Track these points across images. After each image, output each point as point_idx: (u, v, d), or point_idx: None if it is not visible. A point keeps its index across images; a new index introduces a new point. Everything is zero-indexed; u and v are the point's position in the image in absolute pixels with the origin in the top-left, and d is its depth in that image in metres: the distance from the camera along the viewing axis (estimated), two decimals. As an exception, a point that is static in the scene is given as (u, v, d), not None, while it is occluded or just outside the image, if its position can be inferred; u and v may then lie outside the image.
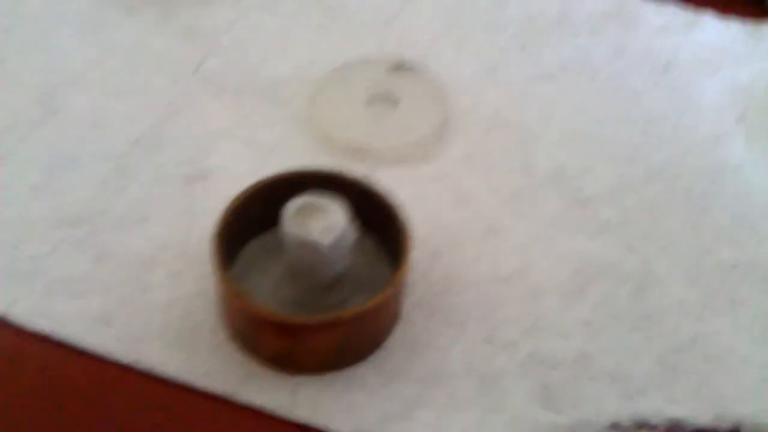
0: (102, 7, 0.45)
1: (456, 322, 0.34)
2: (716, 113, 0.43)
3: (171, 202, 0.37)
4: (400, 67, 0.43)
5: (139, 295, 0.34)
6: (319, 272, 0.32)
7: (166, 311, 0.34)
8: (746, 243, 0.38)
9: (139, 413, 0.31)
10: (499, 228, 0.37)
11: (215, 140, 0.40)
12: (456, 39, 0.46)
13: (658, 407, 0.32)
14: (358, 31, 0.45)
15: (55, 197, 0.37)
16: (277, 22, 0.45)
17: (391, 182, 0.39)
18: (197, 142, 0.39)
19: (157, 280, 0.34)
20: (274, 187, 0.33)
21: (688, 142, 0.42)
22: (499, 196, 0.39)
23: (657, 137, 0.42)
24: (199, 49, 0.43)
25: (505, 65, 0.45)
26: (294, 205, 0.31)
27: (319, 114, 0.40)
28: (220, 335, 0.33)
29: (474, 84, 0.44)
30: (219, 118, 0.40)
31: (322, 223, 0.31)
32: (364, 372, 0.32)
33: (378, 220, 0.34)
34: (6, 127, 0.39)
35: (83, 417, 0.31)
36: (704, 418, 0.31)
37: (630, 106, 0.43)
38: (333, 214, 0.31)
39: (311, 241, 0.31)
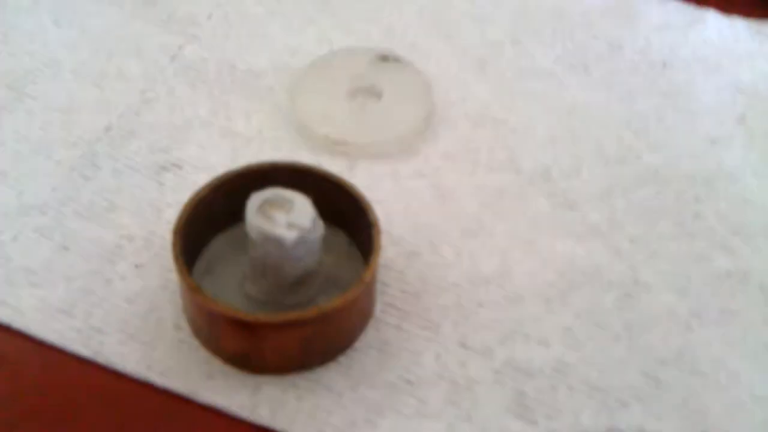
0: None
1: (430, 325, 0.32)
2: (715, 114, 0.42)
3: (140, 192, 0.36)
4: (385, 59, 0.41)
5: (102, 286, 0.33)
6: (285, 268, 0.30)
7: (129, 304, 0.32)
8: (741, 251, 0.36)
9: (97, 408, 0.30)
10: (480, 228, 0.36)
11: (190, 130, 0.38)
12: (446, 32, 0.44)
13: (638, 422, 0.30)
14: (344, 22, 0.44)
15: (20, 183, 0.35)
16: (261, 11, 0.44)
17: (371, 177, 0.37)
18: (171, 131, 0.38)
19: (121, 271, 0.33)
20: (240, 180, 0.32)
21: (684, 143, 0.40)
22: (483, 194, 0.37)
23: (651, 138, 0.40)
24: (177, 37, 0.42)
25: (495, 60, 0.43)
26: (258, 199, 0.30)
27: (298, 105, 0.39)
28: (184, 331, 0.32)
29: (462, 78, 0.42)
30: (195, 107, 0.39)
31: (288, 218, 0.29)
32: (331, 374, 0.31)
33: (350, 217, 0.33)
34: (-26, 110, 0.38)
35: (39, 409, 0.30)
36: (687, 435, 0.30)
37: (624, 106, 0.42)
38: (299, 208, 0.30)
39: (276, 236, 0.29)
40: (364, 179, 0.37)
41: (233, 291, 0.32)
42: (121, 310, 0.32)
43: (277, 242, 0.29)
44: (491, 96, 0.41)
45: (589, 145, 0.40)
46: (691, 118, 0.41)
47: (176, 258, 0.30)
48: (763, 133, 0.41)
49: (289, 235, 0.29)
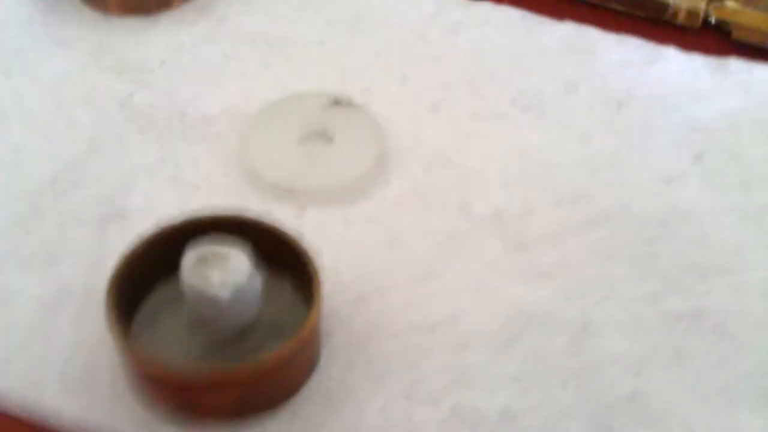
0: (34, 39, 0.44)
1: (376, 374, 0.32)
2: (671, 153, 0.41)
3: (82, 244, 0.35)
4: (338, 102, 0.41)
5: (41, 339, 0.32)
6: (222, 324, 0.30)
7: (68, 357, 0.32)
8: (695, 291, 0.35)
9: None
10: (431, 273, 0.35)
11: (137, 178, 0.38)
12: (400, 74, 0.44)
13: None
14: (299, 66, 0.44)
15: (-40, 237, 0.35)
16: (215, 56, 0.44)
17: (320, 224, 0.37)
18: (118, 180, 0.38)
19: (60, 324, 0.33)
20: (180, 232, 0.32)
21: (639, 183, 0.40)
22: (434, 239, 0.37)
23: (605, 178, 0.40)
24: (128, 84, 0.42)
25: (449, 102, 0.43)
26: (194, 255, 0.29)
27: (248, 152, 0.39)
28: (122, 383, 0.31)
29: (416, 121, 0.42)
30: (143, 155, 0.39)
31: (223, 275, 0.29)
32: (275, 422, 0.30)
33: (293, 266, 0.32)
34: None
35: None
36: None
37: (579, 146, 0.41)
38: (234, 264, 0.29)
39: (210, 295, 0.29)
40: (313, 225, 0.37)
41: (175, 341, 0.32)
42: (59, 362, 0.32)
43: (211, 301, 0.29)
44: (445, 138, 0.41)
45: (542, 187, 0.39)
46: (647, 157, 0.41)
47: (110, 312, 0.29)
48: (719, 172, 0.41)
49: (224, 294, 0.29)
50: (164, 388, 0.29)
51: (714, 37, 0.48)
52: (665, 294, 0.35)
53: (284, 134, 0.40)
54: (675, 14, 0.48)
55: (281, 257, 0.32)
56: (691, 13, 0.48)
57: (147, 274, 0.32)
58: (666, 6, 0.48)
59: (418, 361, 0.32)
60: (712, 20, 0.48)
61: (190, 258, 0.29)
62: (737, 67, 0.45)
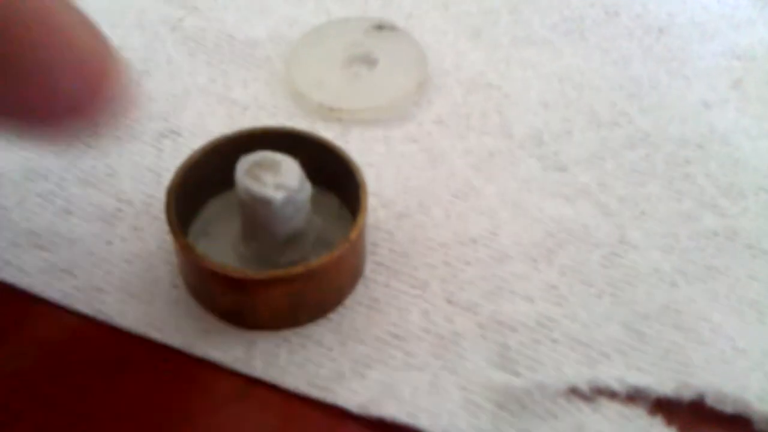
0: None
1: (418, 283, 0.33)
2: (710, 79, 0.42)
3: (139, 159, 0.37)
4: (381, 28, 0.42)
5: (103, 248, 0.34)
6: (274, 228, 0.31)
7: (128, 265, 0.34)
8: (729, 211, 0.36)
9: (98, 362, 0.31)
10: (470, 190, 0.37)
11: (189, 97, 0.39)
12: (442, 1, 0.45)
13: (619, 374, 0.31)
14: (342, -8, 0.45)
15: (25, 151, 0.37)
16: (261, -18, 0.45)
17: (364, 143, 0.38)
18: (171, 99, 0.39)
19: (121, 234, 0.34)
20: (233, 145, 0.33)
21: (677, 107, 0.40)
22: (473, 158, 0.38)
23: (643, 102, 0.40)
24: (178, 9, 0.43)
25: (490, 28, 0.44)
26: (247, 162, 0.31)
27: (293, 74, 0.40)
28: (180, 290, 0.33)
29: (457, 47, 0.43)
30: (194, 76, 0.40)
31: (275, 179, 0.30)
32: (322, 329, 0.32)
33: (339, 180, 0.34)
34: None
35: (44, 364, 0.31)
36: (668, 387, 0.30)
37: (618, 71, 0.42)
38: (286, 170, 0.31)
39: (264, 197, 0.30)
40: (356, 144, 0.38)
41: (228, 252, 0.33)
42: (120, 270, 0.33)
43: (265, 203, 0.30)
44: (485, 63, 0.42)
45: (581, 110, 0.40)
46: (685, 82, 0.42)
47: (170, 218, 0.31)
48: (757, 98, 0.41)
49: (277, 196, 0.30)
50: (223, 287, 0.30)
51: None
52: (700, 212, 0.36)
53: (328, 57, 0.41)
54: (718, -59, 0.48)
55: (328, 173, 0.34)
56: (735, -60, 0.47)
57: (201, 186, 0.34)
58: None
59: (459, 271, 0.34)
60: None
61: (244, 163, 0.31)
62: (779, -6, 0.45)
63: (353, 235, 0.31)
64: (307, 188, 0.31)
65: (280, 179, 0.31)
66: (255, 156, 0.31)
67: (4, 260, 0.33)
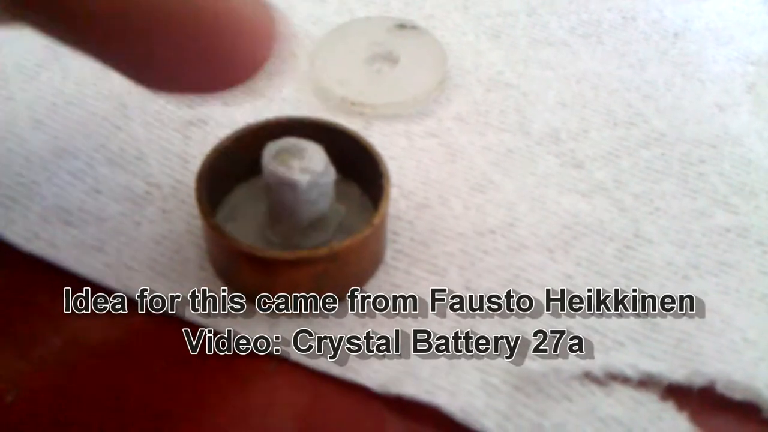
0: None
1: (437, 270, 0.34)
2: (724, 83, 0.43)
3: (167, 144, 0.38)
4: (402, 27, 0.43)
5: (132, 227, 0.35)
6: (299, 211, 0.32)
7: (156, 245, 0.35)
8: (741, 208, 0.37)
9: (123, 338, 0.32)
10: (488, 184, 0.38)
11: (216, 89, 0.40)
12: (462, 3, 0.46)
13: (633, 361, 0.31)
14: (366, -8, 0.46)
15: (55, 131, 0.38)
16: (287, -19, 0.46)
17: (385, 136, 0.39)
18: (198, 91, 0.40)
19: (149, 215, 0.35)
20: (260, 133, 0.34)
21: (691, 109, 0.41)
22: (492, 154, 0.39)
23: (659, 104, 0.41)
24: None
25: (510, 29, 0.45)
26: (274, 147, 0.32)
27: (317, 69, 0.41)
28: (208, 272, 0.34)
29: (476, 47, 0.44)
30: (221, 69, 0.41)
31: (301, 164, 0.31)
32: (343, 312, 0.33)
33: (362, 169, 0.35)
34: (15, 68, 0.41)
35: (76, 335, 0.32)
36: (679, 374, 0.31)
37: (635, 74, 0.43)
38: (311, 155, 0.32)
39: (290, 180, 0.31)
40: (378, 138, 0.39)
41: (253, 236, 0.34)
42: (149, 249, 0.34)
43: (291, 186, 0.32)
44: (504, 63, 0.43)
45: (598, 110, 0.41)
46: (700, 86, 0.43)
47: (199, 200, 0.32)
48: (771, 101, 0.42)
49: (303, 179, 0.31)
50: (249, 267, 0.31)
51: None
52: (713, 209, 0.37)
53: (351, 55, 0.42)
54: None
55: (350, 162, 0.35)
56: (750, -50, 0.49)
57: (229, 173, 0.35)
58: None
59: (477, 260, 0.35)
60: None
61: (271, 149, 0.32)
62: (793, 2, 0.46)
63: (376, 220, 0.32)
64: (331, 173, 0.32)
65: (305, 163, 0.32)
66: (281, 142, 0.32)
67: (33, 233, 0.34)
